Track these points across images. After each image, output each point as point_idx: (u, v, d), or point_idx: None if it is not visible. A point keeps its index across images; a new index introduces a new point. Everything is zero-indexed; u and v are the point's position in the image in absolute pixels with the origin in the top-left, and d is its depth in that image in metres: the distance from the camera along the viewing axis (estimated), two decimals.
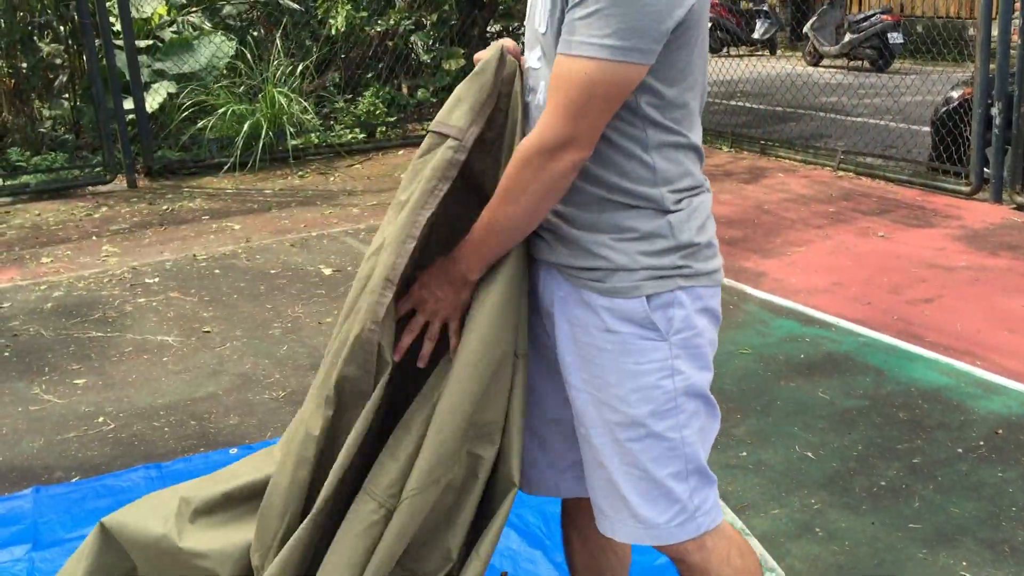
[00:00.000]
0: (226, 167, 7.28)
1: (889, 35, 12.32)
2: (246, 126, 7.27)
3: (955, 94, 6.15)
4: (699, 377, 1.57)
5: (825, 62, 13.54)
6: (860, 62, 13.00)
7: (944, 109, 6.16)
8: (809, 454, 2.97)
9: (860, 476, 2.84)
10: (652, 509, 1.57)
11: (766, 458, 2.96)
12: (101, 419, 3.40)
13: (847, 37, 12.77)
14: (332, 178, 7.21)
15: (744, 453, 2.99)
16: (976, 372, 3.53)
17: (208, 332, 4.19)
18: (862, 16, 12.91)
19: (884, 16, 12.53)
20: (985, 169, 5.83)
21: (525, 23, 1.69)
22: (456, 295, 1.59)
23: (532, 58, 1.60)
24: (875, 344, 3.82)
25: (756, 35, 15.12)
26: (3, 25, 7.20)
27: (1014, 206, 5.63)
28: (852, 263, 4.81)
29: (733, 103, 9.97)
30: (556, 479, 1.77)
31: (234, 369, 3.79)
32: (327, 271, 4.96)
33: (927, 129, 6.71)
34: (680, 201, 1.54)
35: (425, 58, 8.96)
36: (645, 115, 1.49)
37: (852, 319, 4.07)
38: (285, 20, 8.27)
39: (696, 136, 1.57)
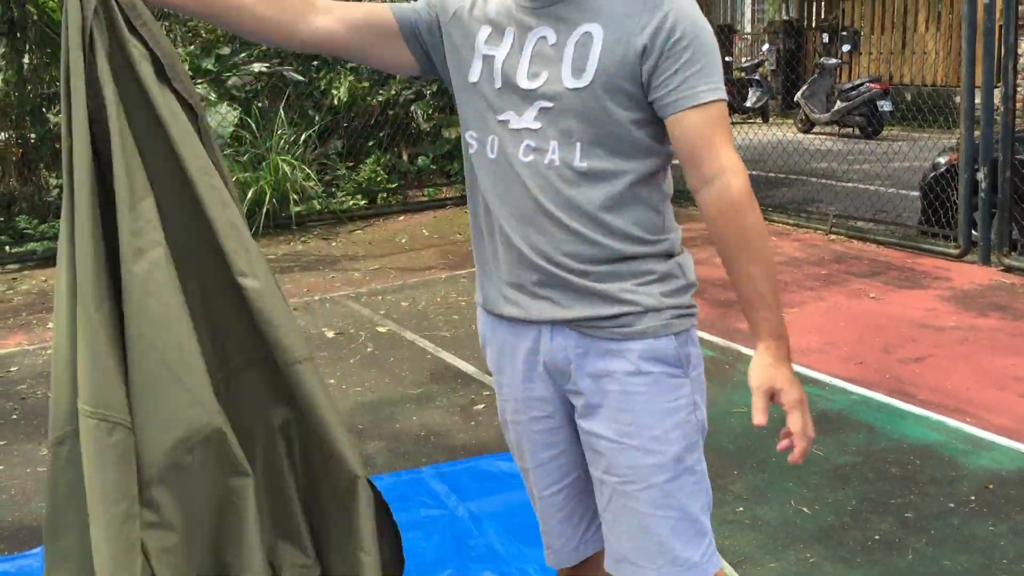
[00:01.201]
0: None
1: (878, 103, 12.60)
2: (250, 193, 7.42)
3: (942, 160, 6.31)
4: (704, 411, 1.70)
5: (816, 129, 13.80)
6: (850, 129, 13.25)
7: (932, 175, 6.33)
8: (804, 509, 3.04)
9: (854, 530, 2.90)
10: (690, 548, 1.64)
11: (762, 513, 3.02)
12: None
13: (837, 105, 13.04)
14: (334, 243, 7.34)
15: (741, 508, 3.05)
16: (966, 429, 3.60)
17: None
18: (851, 85, 13.20)
19: (873, 84, 12.82)
20: (973, 232, 5.96)
21: (484, 82, 1.63)
22: (787, 366, 1.60)
23: (517, 118, 1.58)
24: (867, 402, 3.89)
25: (749, 103, 15.42)
26: (14, 97, 7.38)
27: (1002, 268, 5.75)
28: (845, 324, 4.91)
29: None
30: (578, 542, 1.81)
31: None
32: (330, 334, 5.05)
33: (916, 194, 6.87)
34: (680, 244, 1.67)
35: (425, 127, 9.16)
36: (667, 168, 1.65)
37: (845, 378, 4.15)
38: (289, 91, 8.48)
39: None
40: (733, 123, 14.89)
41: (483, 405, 4.01)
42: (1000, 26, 5.73)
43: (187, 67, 8.70)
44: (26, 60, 7.24)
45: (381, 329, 5.11)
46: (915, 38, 14.57)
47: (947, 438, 3.53)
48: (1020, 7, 5.64)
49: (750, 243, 1.52)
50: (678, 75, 1.51)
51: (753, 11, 23.54)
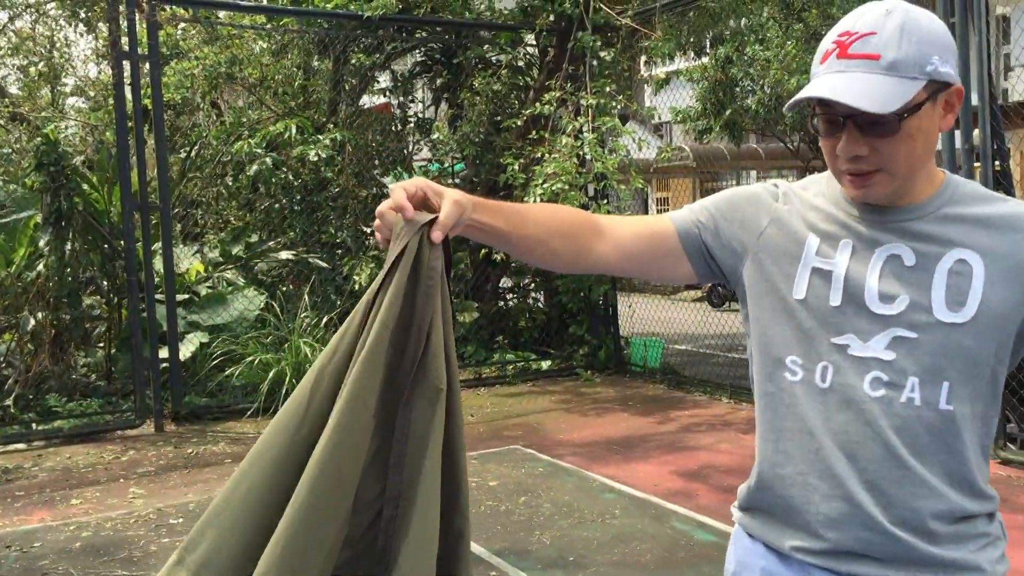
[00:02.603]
0: (249, 412, 7.66)
1: None
2: (271, 373, 7.71)
3: None
4: None
5: None
6: None
7: None
8: None
9: None
10: None
11: None
12: None
13: None
14: None
15: None
16: None
17: None
18: None
19: None
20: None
21: (814, 299, 1.46)
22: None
23: (861, 344, 1.42)
24: None
25: None
26: (54, 282, 7.82)
27: (998, 460, 5.89)
28: None
29: (732, 355, 10.44)
30: None
31: None
32: None
33: None
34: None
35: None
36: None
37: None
38: (313, 277, 8.93)
39: None
40: (737, 310, 15.20)
41: None
42: None
43: (218, 252, 9.23)
44: (68, 247, 7.72)
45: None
46: None
47: None
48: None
49: None
50: None
51: None
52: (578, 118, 7.65)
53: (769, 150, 17.99)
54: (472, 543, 4.58)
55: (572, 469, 6.04)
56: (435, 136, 9.88)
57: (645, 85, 12.38)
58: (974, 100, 5.93)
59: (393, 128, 10.35)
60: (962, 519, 1.39)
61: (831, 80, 1.37)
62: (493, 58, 10.01)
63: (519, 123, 8.24)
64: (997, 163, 5.81)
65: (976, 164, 5.91)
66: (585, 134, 7.43)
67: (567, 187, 7.25)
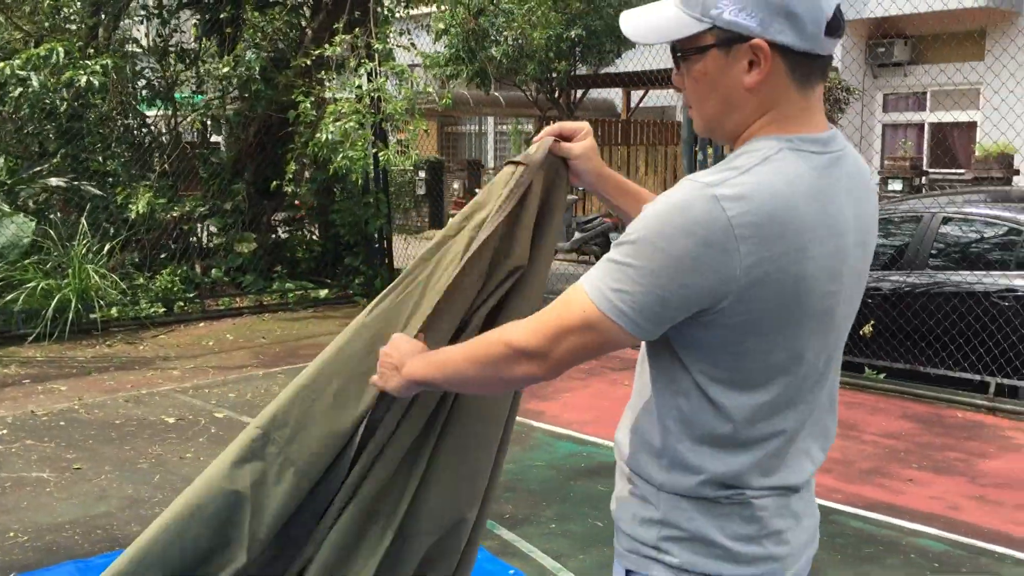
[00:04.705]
0: (31, 337, 7.66)
1: (610, 235, 14.59)
2: (55, 299, 7.74)
3: None
4: None
5: (558, 256, 15.62)
6: (588, 256, 15.15)
7: None
8: (599, 523, 4.10)
9: None
10: None
11: (570, 527, 4.05)
12: (12, 533, 3.93)
13: (576, 235, 14.93)
14: (141, 347, 7.78)
15: (553, 525, 4.07)
16: None
17: (79, 468, 4.75)
18: (588, 218, 15.18)
19: (606, 219, 14.84)
20: None
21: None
22: (397, 373, 1.61)
23: None
24: None
25: None
26: None
27: None
28: (608, 403, 6.15)
29: None
30: None
31: (118, 494, 4.41)
32: (170, 420, 5.62)
33: None
34: None
35: (218, 241, 9.80)
36: None
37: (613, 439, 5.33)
38: (88, 205, 8.88)
39: None
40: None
41: None
42: None
43: None
44: None
45: (218, 415, 5.74)
46: (642, 180, 16.94)
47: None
48: None
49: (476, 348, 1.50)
50: None
51: (495, 148, 25.89)
52: (366, 62, 8.20)
53: (509, 98, 19.16)
54: None
55: None
56: (211, 68, 9.98)
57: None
58: None
59: (149, 58, 10.33)
60: None
61: (643, 9, 1.46)
62: None
63: (308, 62, 8.65)
64: None
65: None
66: (376, 77, 8.01)
67: (357, 126, 7.82)
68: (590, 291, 1.36)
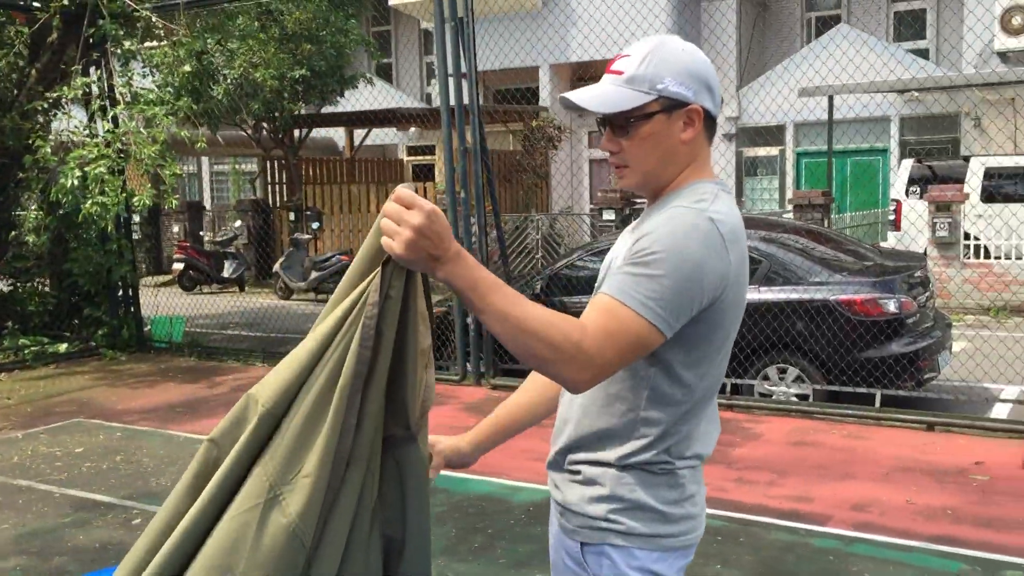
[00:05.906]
0: None
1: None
2: None
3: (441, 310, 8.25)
4: None
5: (296, 296, 15.50)
6: (325, 295, 15.18)
7: (439, 320, 8.22)
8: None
9: (460, 545, 4.30)
10: None
11: None
12: None
13: (313, 274, 14.92)
14: None
15: None
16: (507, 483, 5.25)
17: None
18: (324, 257, 15.23)
19: (343, 256, 14.98)
20: (467, 364, 7.91)
21: None
22: (421, 247, 1.50)
23: None
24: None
25: (225, 274, 16.65)
26: None
27: (490, 387, 7.75)
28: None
29: (230, 332, 11.23)
30: None
31: None
32: None
33: None
34: None
35: None
36: None
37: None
38: None
39: None
40: (213, 293, 15.92)
41: (139, 520, 4.68)
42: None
43: None
44: None
45: None
46: (369, 218, 17.22)
47: (493, 489, 5.14)
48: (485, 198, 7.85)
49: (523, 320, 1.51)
50: None
51: (212, 190, 25.17)
52: (113, 106, 7.90)
53: (228, 137, 18.76)
54: (97, 495, 4.96)
55: (151, 430, 6.55)
56: None
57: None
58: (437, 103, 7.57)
59: None
60: None
61: (586, 89, 1.77)
62: None
63: (46, 105, 8.17)
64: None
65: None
66: (127, 121, 7.74)
67: (106, 172, 7.52)
68: (636, 306, 1.59)
